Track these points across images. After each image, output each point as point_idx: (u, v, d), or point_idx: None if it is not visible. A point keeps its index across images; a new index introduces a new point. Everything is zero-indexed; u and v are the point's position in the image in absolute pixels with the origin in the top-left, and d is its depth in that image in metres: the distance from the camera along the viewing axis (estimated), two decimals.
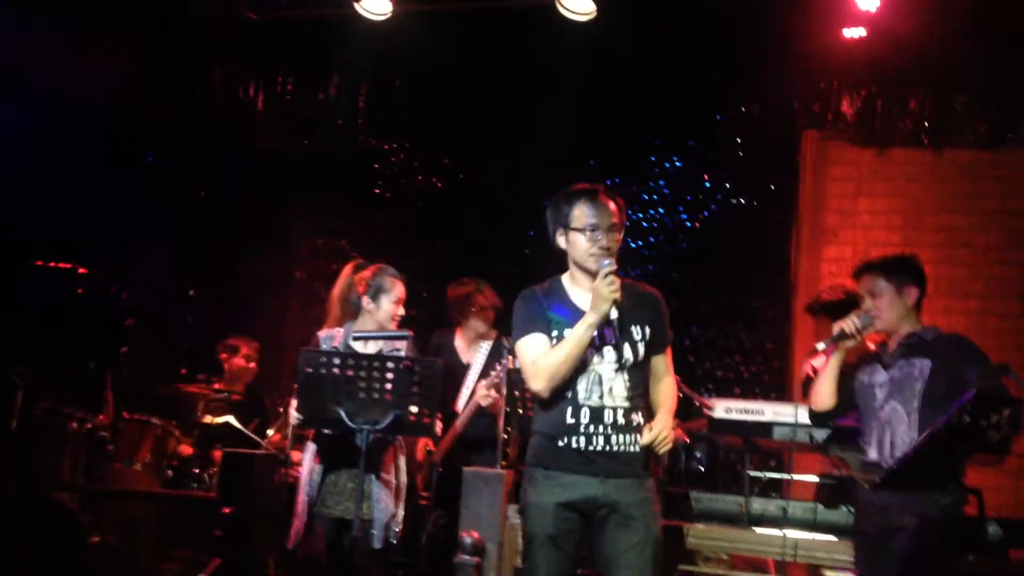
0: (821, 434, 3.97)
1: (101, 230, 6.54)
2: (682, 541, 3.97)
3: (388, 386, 3.64)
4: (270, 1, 6.26)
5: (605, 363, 3.13)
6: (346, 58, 6.52)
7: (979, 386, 2.79)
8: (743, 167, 6.35)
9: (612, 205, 3.18)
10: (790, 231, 6.16)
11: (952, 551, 3.20)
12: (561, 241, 3.24)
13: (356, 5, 5.84)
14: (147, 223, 6.82)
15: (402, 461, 4.17)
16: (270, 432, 5.26)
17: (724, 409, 4.18)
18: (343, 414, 3.64)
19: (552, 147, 6.28)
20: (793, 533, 3.84)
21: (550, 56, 5.98)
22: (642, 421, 3.14)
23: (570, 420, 3.12)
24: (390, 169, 7.05)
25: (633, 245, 6.47)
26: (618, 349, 3.13)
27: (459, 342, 5.18)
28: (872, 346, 3.69)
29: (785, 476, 5.04)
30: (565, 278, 3.29)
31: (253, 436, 5.16)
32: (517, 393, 4.22)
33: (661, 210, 6.54)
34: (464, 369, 5.02)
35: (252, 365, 5.91)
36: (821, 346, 3.48)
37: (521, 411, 4.24)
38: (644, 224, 6.56)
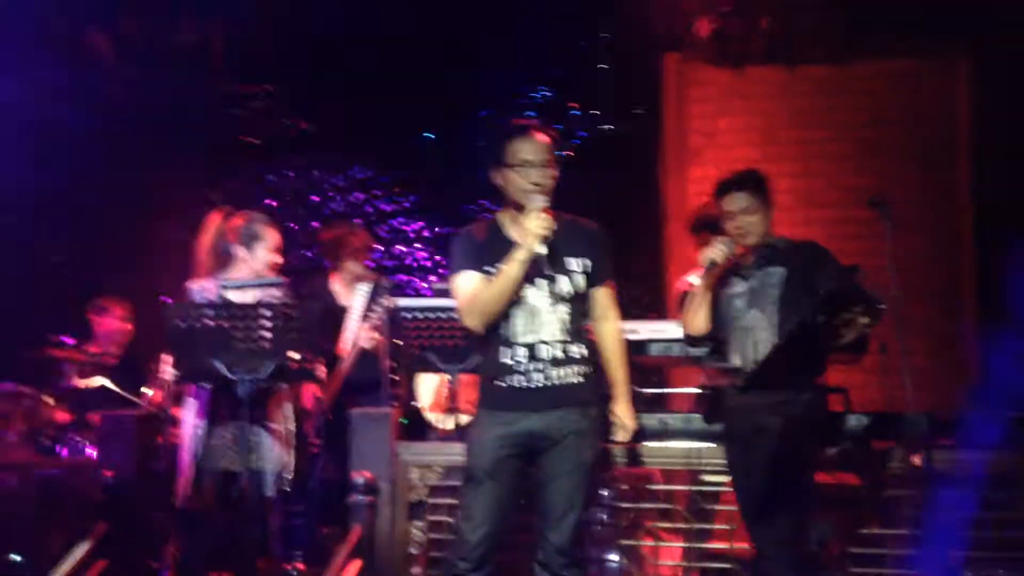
0: (696, 348, 4.12)
1: None
2: None
3: (266, 335, 3.61)
4: None
5: (541, 297, 3.17)
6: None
7: (830, 287, 2.95)
8: (608, 94, 6.44)
9: (546, 141, 3.21)
10: (657, 154, 6.30)
11: (816, 445, 3.40)
12: (496, 178, 3.25)
13: None
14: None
15: (288, 409, 4.15)
16: (149, 392, 5.15)
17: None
18: (221, 367, 3.59)
19: (419, 83, 6.24)
20: (674, 443, 4.00)
21: None
22: (584, 352, 3.21)
23: (507, 360, 3.18)
24: (252, 113, 6.87)
25: None
26: (554, 282, 3.18)
27: (336, 286, 5.13)
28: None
29: (663, 390, 5.26)
30: (501, 216, 3.31)
31: (130, 397, 5.04)
32: (399, 333, 4.23)
33: None
34: (343, 312, 4.99)
35: (127, 327, 5.74)
36: (696, 280, 3.56)
37: (407, 350, 4.26)
38: None
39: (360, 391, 4.88)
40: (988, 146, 5.82)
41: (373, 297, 4.87)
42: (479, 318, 3.19)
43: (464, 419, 4.40)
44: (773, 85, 6.19)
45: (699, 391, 4.64)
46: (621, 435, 3.29)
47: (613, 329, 3.33)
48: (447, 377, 4.40)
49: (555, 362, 3.17)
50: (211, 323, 3.58)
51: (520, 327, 3.17)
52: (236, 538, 3.84)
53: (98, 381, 5.22)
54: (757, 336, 3.45)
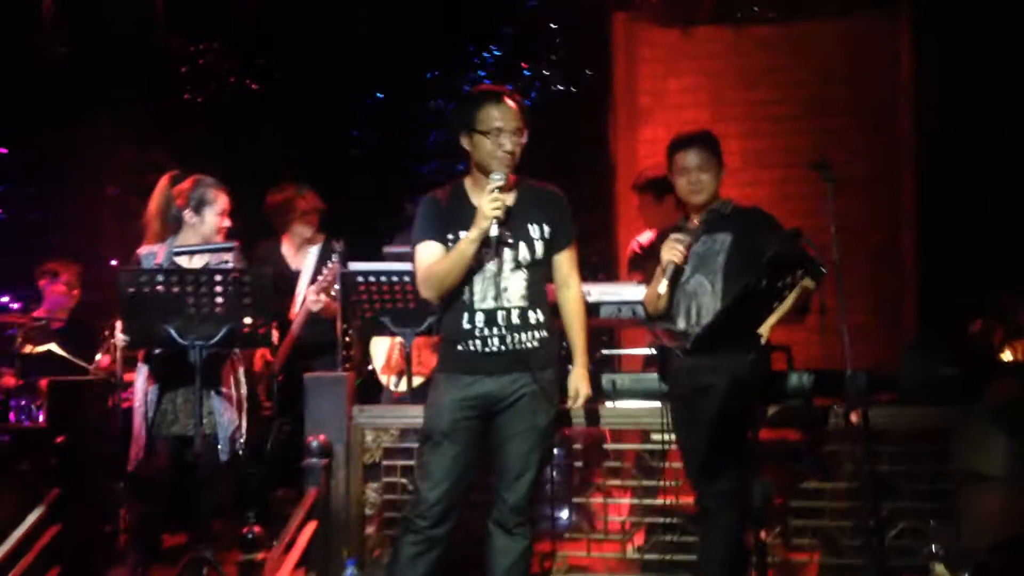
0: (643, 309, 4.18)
1: None
2: None
3: (218, 300, 3.61)
4: None
5: (501, 263, 3.21)
6: None
7: (773, 251, 3.02)
8: (558, 53, 6.45)
9: (517, 108, 3.24)
10: (607, 114, 6.32)
11: (758, 404, 3.49)
12: (465, 142, 3.27)
13: None
14: None
15: (241, 373, 4.16)
16: (99, 357, 5.11)
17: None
18: (172, 332, 3.59)
19: (368, 43, 6.19)
20: (623, 403, 4.09)
21: None
22: (541, 317, 3.27)
23: (466, 325, 3.23)
24: (198, 72, 6.76)
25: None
26: (514, 248, 3.22)
27: (286, 249, 5.12)
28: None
29: (614, 351, 5.35)
30: (467, 181, 3.34)
31: (78, 362, 5.00)
32: (353, 297, 4.23)
33: None
34: (295, 276, 4.99)
35: (75, 291, 5.66)
36: (663, 288, 3.48)
37: (359, 314, 4.27)
38: None
39: (313, 354, 4.90)
40: (930, 105, 5.91)
41: (322, 259, 4.88)
42: (433, 291, 3.26)
43: (417, 381, 4.45)
44: (720, 45, 6.21)
45: (648, 352, 4.75)
46: (576, 401, 3.37)
47: (575, 296, 3.40)
48: (400, 340, 4.43)
49: (512, 327, 3.23)
50: (162, 289, 3.57)
51: (479, 293, 3.23)
52: (191, 501, 3.86)
53: (47, 347, 5.16)
54: (700, 300, 3.51)
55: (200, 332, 3.61)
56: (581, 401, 3.38)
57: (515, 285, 3.24)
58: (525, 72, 6.54)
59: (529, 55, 6.52)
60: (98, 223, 6.66)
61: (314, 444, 3.91)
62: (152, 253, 4.05)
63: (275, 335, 4.03)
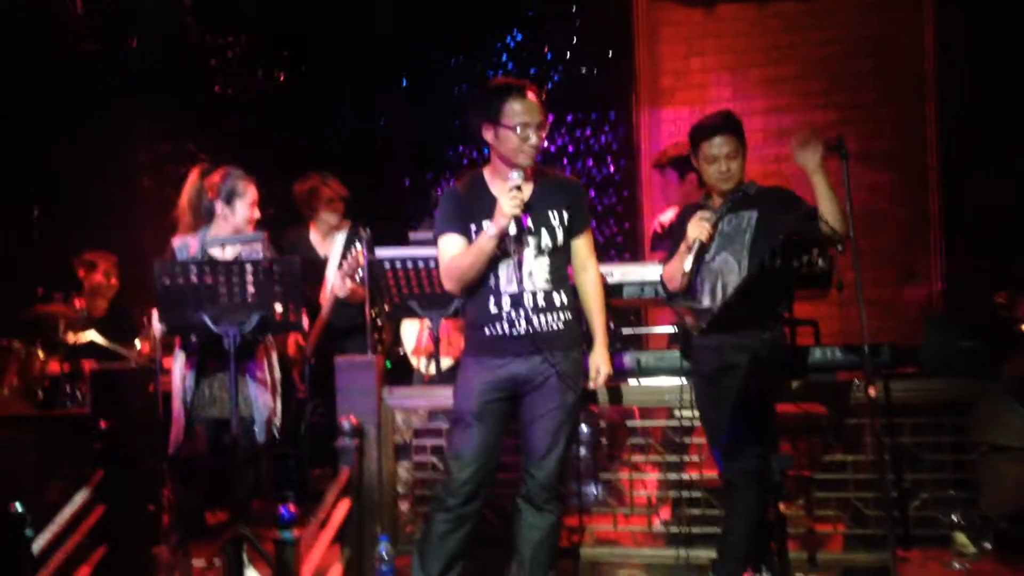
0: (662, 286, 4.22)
1: None
2: None
3: (250, 288, 3.72)
4: None
5: (525, 250, 3.30)
6: None
7: (788, 230, 3.07)
8: (581, 36, 6.48)
9: (540, 102, 3.30)
10: (630, 95, 6.35)
11: (779, 380, 3.54)
12: (488, 135, 3.33)
13: None
14: None
15: (274, 358, 4.27)
16: (138, 344, 5.26)
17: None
18: (207, 320, 3.71)
19: (393, 31, 6.25)
20: (648, 380, 4.15)
21: None
22: (565, 300, 3.36)
23: (493, 309, 3.32)
24: (227, 65, 6.86)
25: None
26: (536, 236, 3.31)
27: (314, 236, 5.22)
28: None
29: (638, 330, 5.40)
30: (487, 172, 3.42)
31: (118, 349, 5.15)
32: (380, 282, 4.32)
33: None
34: (323, 262, 5.09)
35: (113, 281, 5.82)
36: (688, 266, 3.52)
37: (386, 298, 4.36)
38: None
39: (344, 338, 5.01)
40: (954, 78, 5.88)
41: (348, 246, 4.98)
42: (455, 283, 3.37)
43: (446, 364, 4.55)
44: (743, 23, 6.22)
45: (672, 330, 4.80)
46: (596, 381, 3.45)
47: (593, 279, 3.47)
48: (428, 323, 4.52)
49: (538, 310, 3.31)
50: (195, 280, 3.68)
51: (504, 278, 3.31)
52: (229, 482, 3.98)
53: (88, 335, 5.31)
54: (726, 279, 3.53)
55: (233, 319, 3.72)
56: (602, 380, 3.45)
57: (539, 270, 3.33)
58: (548, 56, 6.56)
59: (551, 40, 6.54)
60: (134, 214, 6.80)
61: (346, 425, 4.00)
62: (185, 244, 4.16)
63: (305, 320, 4.11)
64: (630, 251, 6.13)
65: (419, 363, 5.06)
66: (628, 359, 4.20)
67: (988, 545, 3.45)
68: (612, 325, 4.58)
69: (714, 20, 6.25)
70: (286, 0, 6.46)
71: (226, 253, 4.12)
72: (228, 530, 3.73)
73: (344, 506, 3.90)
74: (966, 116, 5.80)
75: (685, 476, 3.98)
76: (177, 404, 4.11)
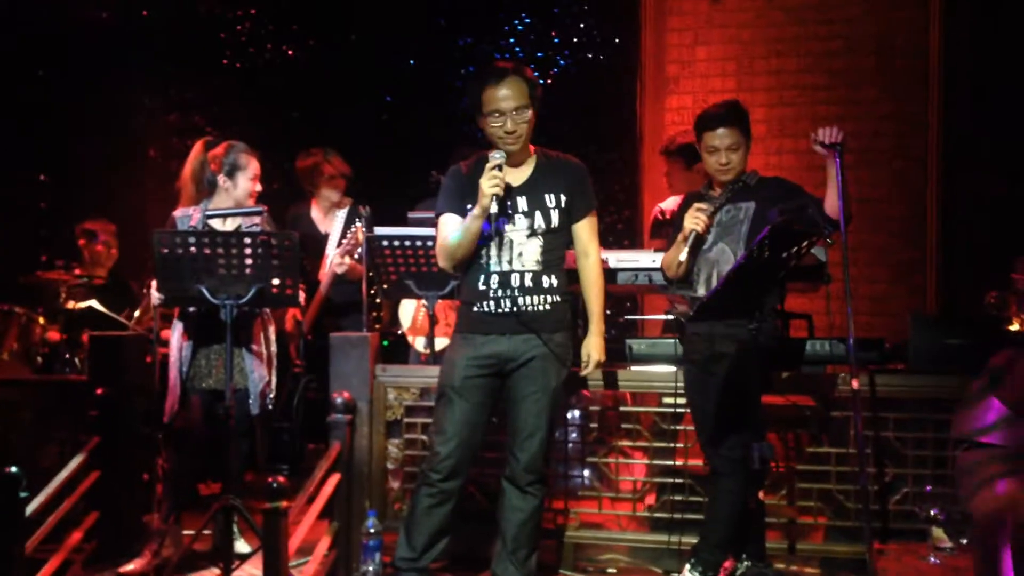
0: (661, 276, 4.26)
1: None
2: None
3: (248, 261, 3.74)
4: None
5: (517, 230, 3.33)
6: None
7: (777, 221, 3.09)
8: (588, 22, 6.49)
9: (519, 85, 3.28)
10: (635, 83, 6.37)
11: (767, 371, 3.58)
12: (479, 122, 3.38)
13: None
14: None
15: (271, 331, 4.30)
16: (137, 313, 5.31)
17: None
18: (204, 291, 3.74)
19: (401, 10, 6.27)
20: (638, 367, 4.20)
21: None
22: (554, 283, 3.38)
23: (481, 287, 3.37)
24: (236, 38, 6.89)
25: None
26: (529, 217, 3.33)
27: (315, 212, 5.26)
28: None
29: (633, 317, 5.44)
30: (489, 154, 3.41)
31: (117, 318, 5.19)
32: (378, 260, 4.36)
33: None
34: (323, 238, 5.13)
35: (113, 250, 5.86)
36: (683, 257, 3.56)
37: (384, 277, 4.40)
38: None
39: (340, 314, 5.06)
40: (958, 77, 5.89)
41: (348, 223, 5.01)
42: (446, 261, 3.42)
43: (442, 343, 4.59)
44: (749, 14, 6.22)
45: (666, 318, 4.84)
46: (588, 367, 3.48)
47: (593, 263, 3.50)
48: (424, 303, 4.56)
49: (525, 290, 3.34)
50: (195, 250, 3.71)
51: (495, 257, 3.35)
52: (223, 453, 4.03)
53: (88, 303, 5.36)
54: (722, 268, 3.56)
55: (231, 291, 3.75)
56: (592, 367, 3.48)
57: (530, 251, 3.36)
58: (555, 40, 6.57)
59: (559, 24, 6.56)
60: (140, 185, 6.85)
61: (338, 400, 4.04)
62: (187, 215, 4.20)
63: (303, 296, 4.16)
64: (629, 238, 6.17)
65: (414, 342, 5.11)
66: (620, 345, 4.24)
67: (965, 540, 3.49)
68: (608, 311, 4.62)
69: (721, 11, 6.26)
70: None
71: (226, 225, 4.16)
72: (218, 500, 3.78)
73: (333, 480, 3.94)
74: (967, 115, 5.80)
75: (671, 463, 4.03)
76: (173, 374, 4.15)
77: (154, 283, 3.91)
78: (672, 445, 4.05)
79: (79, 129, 6.75)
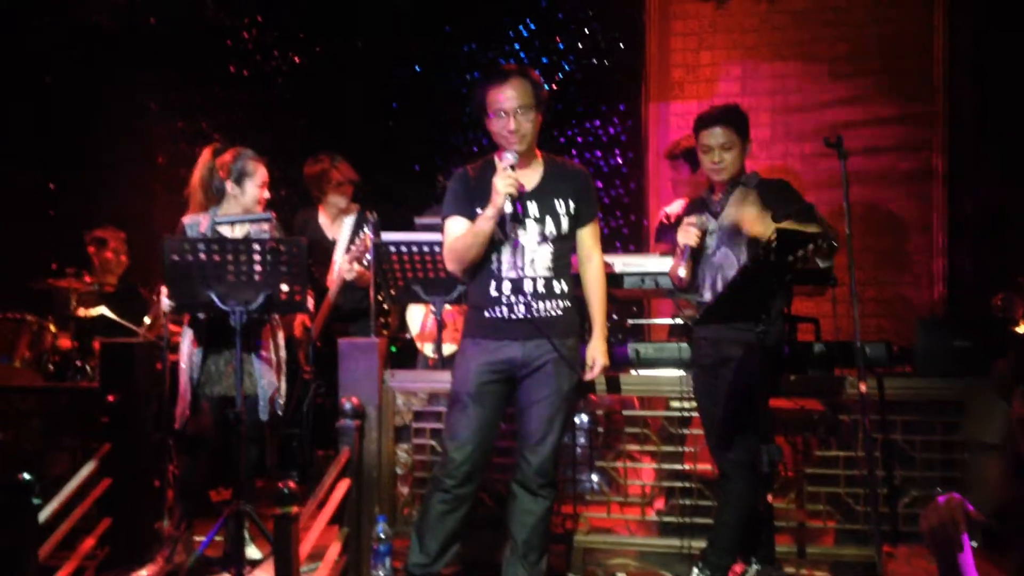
0: (667, 280, 4.28)
1: None
2: None
3: (257, 268, 3.76)
4: None
5: (528, 236, 3.35)
6: None
7: (783, 225, 3.11)
8: (592, 27, 6.52)
9: (523, 85, 3.30)
10: (640, 88, 6.39)
11: (774, 374, 3.59)
12: (487, 124, 3.40)
13: None
14: None
15: (280, 338, 4.32)
16: (147, 320, 5.34)
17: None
18: (214, 297, 3.76)
19: (406, 16, 6.30)
20: (646, 372, 4.21)
21: None
22: (565, 288, 3.40)
23: (493, 292, 3.37)
24: (243, 45, 6.92)
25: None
26: (541, 223, 3.35)
27: (323, 218, 5.28)
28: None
29: (639, 321, 5.45)
30: (496, 157, 3.43)
31: (128, 325, 5.22)
32: (385, 266, 4.38)
33: None
34: (331, 244, 5.15)
35: (123, 258, 5.89)
36: (683, 272, 3.62)
37: (391, 283, 4.41)
38: None
39: (349, 320, 5.07)
40: (963, 78, 5.89)
41: (356, 229, 5.02)
42: (455, 264, 3.43)
43: (450, 349, 4.61)
44: (754, 18, 6.24)
45: (673, 322, 4.86)
46: (592, 371, 3.49)
47: (596, 268, 3.51)
48: (432, 308, 4.58)
49: (537, 296, 3.36)
50: (204, 257, 3.73)
51: (507, 263, 3.36)
52: (233, 459, 4.05)
53: (99, 310, 5.39)
54: (726, 273, 3.58)
55: (240, 298, 3.76)
56: (597, 371, 3.49)
57: (541, 257, 3.37)
58: (560, 46, 6.60)
59: (563, 30, 6.58)
60: (149, 191, 6.88)
61: (347, 406, 4.06)
62: (196, 222, 4.22)
63: (311, 302, 4.17)
64: (635, 243, 6.18)
65: (424, 347, 5.12)
66: (628, 349, 4.26)
67: (975, 543, 3.49)
68: (615, 316, 4.64)
69: (725, 15, 6.27)
70: None
71: (235, 232, 4.18)
72: (229, 506, 3.79)
73: (343, 486, 3.96)
74: (972, 118, 5.81)
75: (680, 467, 4.04)
76: (184, 380, 4.17)
77: (164, 290, 3.93)
78: (681, 449, 4.06)
79: (87, 137, 6.79)
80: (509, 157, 3.28)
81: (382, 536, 3.75)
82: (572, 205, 3.40)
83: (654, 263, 4.26)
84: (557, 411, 3.39)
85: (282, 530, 3.30)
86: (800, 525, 3.95)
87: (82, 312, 5.49)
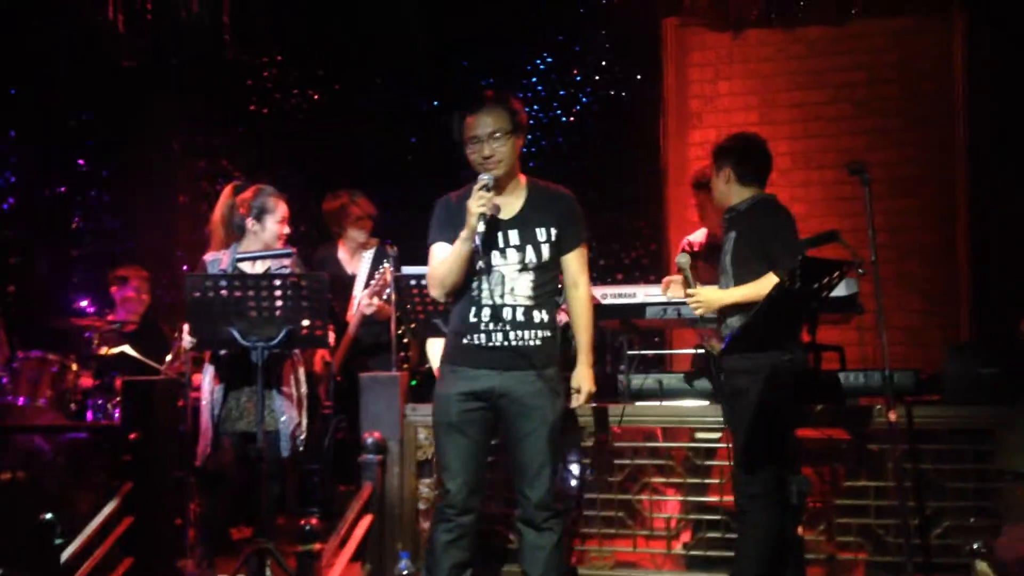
0: (689, 310, 4.25)
1: None
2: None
3: (278, 303, 3.77)
4: None
5: (508, 264, 3.30)
6: None
7: (783, 255, 3.10)
8: (610, 59, 6.55)
9: (497, 112, 3.29)
10: (657, 118, 6.39)
11: (797, 404, 3.54)
12: (465, 153, 3.38)
13: None
14: (20, 155, 6.69)
15: (301, 373, 4.31)
16: (169, 358, 5.35)
17: (600, 295, 4.43)
18: (235, 333, 3.76)
19: (424, 52, 6.36)
20: (670, 403, 4.17)
21: None
22: (545, 318, 3.34)
23: (472, 319, 3.32)
24: (263, 84, 7.00)
25: None
26: (521, 251, 3.31)
27: (342, 253, 5.30)
28: None
29: (661, 351, 5.41)
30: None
31: (150, 363, 5.23)
32: (406, 299, 4.37)
33: (536, 107, 6.70)
34: (351, 279, 5.16)
35: (144, 296, 5.91)
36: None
37: (412, 316, 4.41)
38: None
39: (369, 355, 5.07)
40: (983, 102, 5.85)
41: (376, 263, 5.03)
42: (436, 289, 3.39)
43: None
44: (770, 48, 6.24)
45: (696, 351, 4.82)
46: (579, 398, 3.43)
47: (583, 296, 3.44)
48: None
49: (517, 324, 3.30)
50: (225, 293, 3.74)
51: (487, 290, 3.31)
52: (255, 496, 4.03)
53: (120, 348, 5.41)
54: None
55: (261, 333, 3.77)
56: (583, 398, 3.43)
57: (522, 285, 3.32)
58: (577, 78, 6.63)
59: (581, 62, 6.62)
60: (171, 229, 6.94)
61: (369, 441, 4.05)
62: (217, 259, 4.24)
63: (332, 337, 4.17)
64: (655, 272, 6.15)
65: None
66: (650, 380, 4.23)
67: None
68: (636, 346, 4.60)
69: (741, 45, 6.28)
70: (321, 21, 6.57)
71: (256, 268, 4.20)
72: (250, 544, 3.77)
73: (366, 522, 3.95)
74: (994, 141, 5.77)
75: (705, 499, 3.98)
76: (205, 417, 4.16)
77: (186, 327, 3.94)
78: (706, 481, 4.01)
79: (109, 176, 6.86)
80: (484, 178, 3.26)
81: (405, 572, 3.72)
82: (554, 232, 3.36)
83: (676, 293, 4.22)
84: (547, 443, 3.32)
85: (305, 567, 3.28)
86: (830, 557, 3.88)
87: (104, 351, 5.51)
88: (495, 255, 3.29)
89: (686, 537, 4.08)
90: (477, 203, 3.19)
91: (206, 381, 4.22)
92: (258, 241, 4.26)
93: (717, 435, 3.96)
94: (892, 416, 3.23)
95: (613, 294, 4.47)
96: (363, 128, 6.71)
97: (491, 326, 3.31)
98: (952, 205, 5.96)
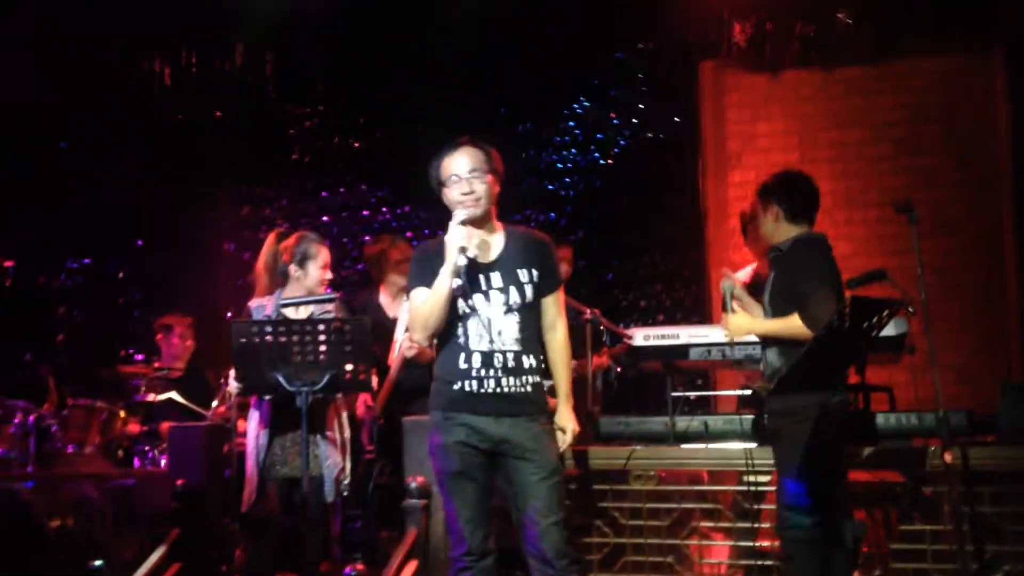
0: (736, 352, 4.19)
1: (21, 220, 6.54)
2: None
3: (322, 348, 3.78)
4: None
5: (493, 306, 3.30)
6: (249, 25, 6.55)
7: (806, 297, 3.09)
8: (647, 102, 6.59)
9: (473, 152, 3.36)
10: (696, 160, 6.40)
11: (846, 446, 3.48)
12: (443, 198, 3.41)
13: None
14: (68, 208, 6.83)
15: (344, 418, 4.32)
16: (215, 404, 5.39)
17: (643, 337, 4.41)
18: (280, 379, 3.78)
19: (463, 99, 6.43)
20: (716, 445, 4.11)
21: (453, 8, 6.11)
22: (533, 363, 3.33)
23: (463, 365, 3.31)
24: (305, 133, 7.12)
25: (551, 187, 6.70)
26: (505, 292, 3.31)
27: (383, 298, 5.32)
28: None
29: (705, 393, 5.35)
30: None
31: (197, 409, 5.27)
32: None
33: (574, 151, 6.75)
34: (392, 323, 5.17)
35: (189, 343, 5.97)
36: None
37: None
38: (559, 166, 6.78)
39: (411, 398, 5.05)
40: None
41: None
42: (420, 332, 3.38)
43: None
44: (809, 88, 6.25)
45: (741, 393, 4.77)
46: (564, 439, 3.41)
47: (560, 338, 3.44)
48: None
49: (508, 371, 3.29)
50: (270, 339, 3.77)
51: (474, 335, 3.30)
52: (299, 542, 4.02)
53: (168, 395, 5.46)
54: (767, 341, 3.59)
55: (306, 378, 3.78)
56: (569, 438, 3.41)
57: (508, 328, 3.31)
58: (615, 122, 6.67)
59: (617, 105, 6.66)
60: (214, 277, 7.03)
61: (413, 485, 4.02)
62: (262, 306, 4.28)
63: (375, 381, 4.18)
64: (697, 314, 6.12)
65: None
66: (695, 422, 4.18)
67: None
68: (680, 388, 4.57)
69: (780, 85, 6.30)
70: (361, 71, 6.68)
71: (300, 313, 4.23)
72: None
73: (411, 568, 3.91)
74: None
75: (754, 544, 3.91)
76: (251, 463, 4.17)
77: (232, 372, 3.97)
78: (755, 525, 3.94)
79: (155, 226, 6.98)
80: (460, 214, 3.28)
81: None
82: (535, 274, 3.36)
83: (719, 334, 4.19)
84: (554, 487, 3.29)
85: None
86: None
87: (151, 397, 5.56)
88: (479, 299, 3.30)
89: None
90: (456, 237, 3.22)
91: (251, 427, 4.24)
92: (301, 287, 4.29)
93: (766, 478, 3.89)
94: (948, 457, 3.16)
95: (655, 335, 4.44)
96: (404, 175, 6.77)
97: (482, 372, 3.30)
98: (999, 243, 5.89)
